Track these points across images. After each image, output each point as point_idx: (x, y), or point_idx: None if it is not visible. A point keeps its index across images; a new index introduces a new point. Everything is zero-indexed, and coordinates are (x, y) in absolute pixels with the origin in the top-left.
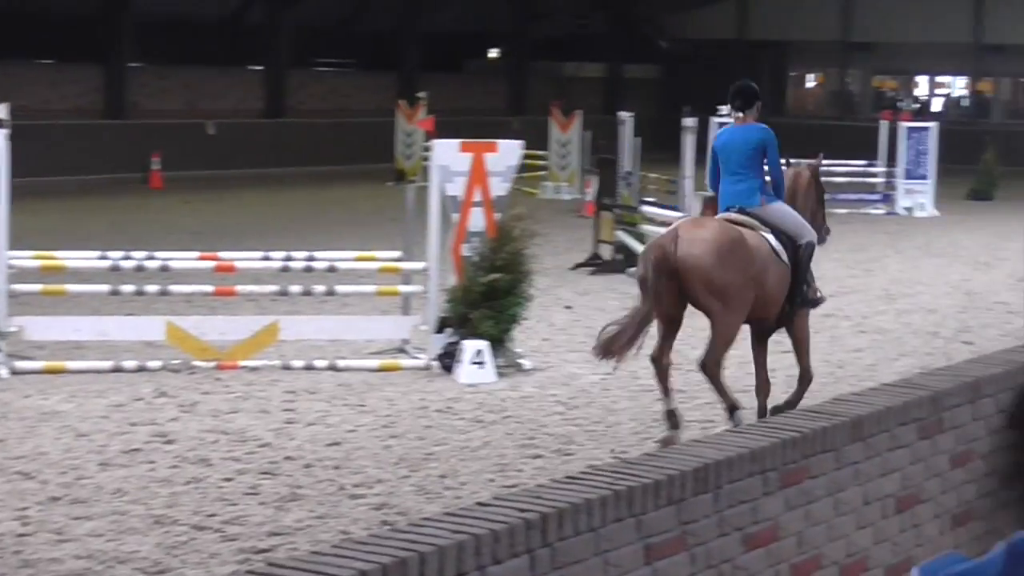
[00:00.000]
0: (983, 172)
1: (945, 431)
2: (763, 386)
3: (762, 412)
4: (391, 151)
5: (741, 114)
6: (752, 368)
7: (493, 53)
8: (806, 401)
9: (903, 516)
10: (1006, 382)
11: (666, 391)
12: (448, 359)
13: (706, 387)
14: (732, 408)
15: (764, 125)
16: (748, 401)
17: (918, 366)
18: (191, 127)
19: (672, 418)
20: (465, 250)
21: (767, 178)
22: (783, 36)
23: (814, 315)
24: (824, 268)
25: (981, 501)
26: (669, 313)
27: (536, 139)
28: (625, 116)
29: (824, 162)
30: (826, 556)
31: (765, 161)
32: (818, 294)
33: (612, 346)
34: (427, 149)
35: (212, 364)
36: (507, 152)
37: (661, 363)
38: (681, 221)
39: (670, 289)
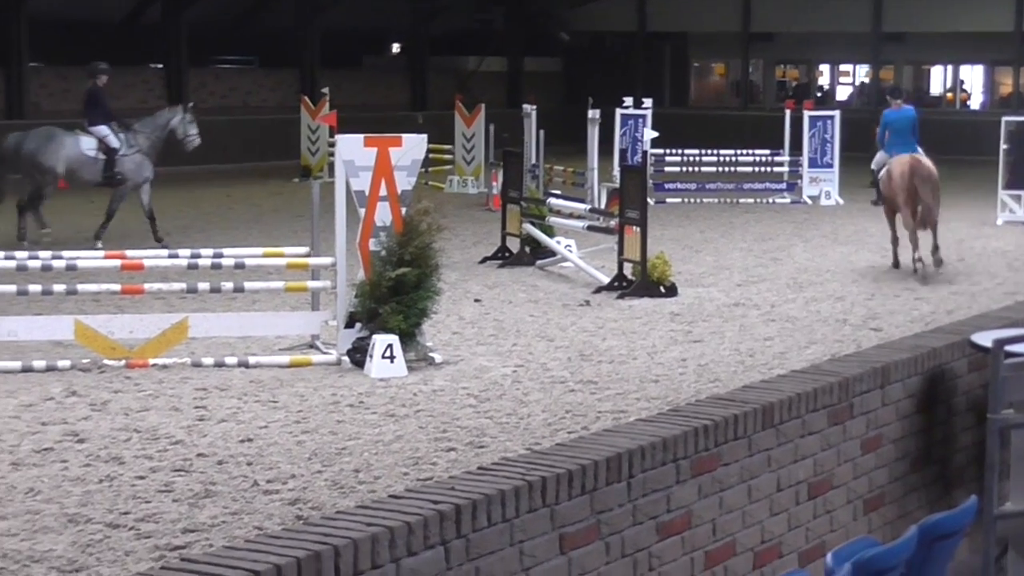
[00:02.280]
0: None
1: (855, 417)
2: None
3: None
4: (295, 147)
5: (899, 101)
6: None
7: (395, 49)
8: (716, 389)
9: (816, 502)
10: (914, 367)
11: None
12: (358, 354)
13: (617, 377)
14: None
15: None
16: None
17: (827, 353)
18: None
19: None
20: (373, 245)
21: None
22: (684, 27)
23: (724, 305)
24: (731, 258)
25: (892, 486)
26: (914, 201)
27: (440, 134)
28: (529, 109)
29: (728, 152)
30: (740, 543)
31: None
32: None
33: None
34: (332, 145)
35: (122, 363)
36: (412, 146)
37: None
38: (904, 156)
39: (915, 188)
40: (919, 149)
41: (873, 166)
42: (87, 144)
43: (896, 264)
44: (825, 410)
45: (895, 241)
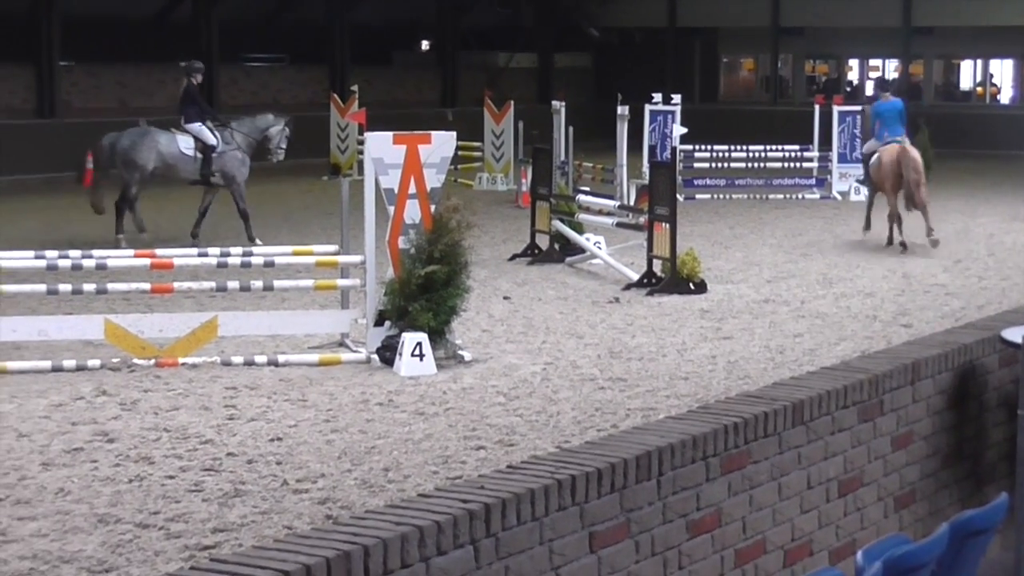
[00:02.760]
0: None
1: (885, 413)
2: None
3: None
4: (325, 145)
5: (888, 94)
6: None
7: (424, 45)
8: (746, 386)
9: (846, 499)
10: (944, 363)
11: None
12: (388, 352)
13: (647, 375)
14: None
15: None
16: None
17: (858, 350)
18: (124, 125)
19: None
20: (402, 243)
21: None
22: (713, 23)
23: (753, 301)
24: (761, 254)
25: (923, 482)
26: (900, 186)
27: (470, 130)
28: (558, 105)
29: (758, 147)
30: (770, 541)
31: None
32: None
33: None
34: (361, 142)
35: (152, 362)
36: (441, 143)
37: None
38: (893, 145)
39: (902, 175)
40: (906, 138)
41: (864, 151)
42: (184, 142)
43: (867, 226)
44: (855, 407)
45: (870, 206)
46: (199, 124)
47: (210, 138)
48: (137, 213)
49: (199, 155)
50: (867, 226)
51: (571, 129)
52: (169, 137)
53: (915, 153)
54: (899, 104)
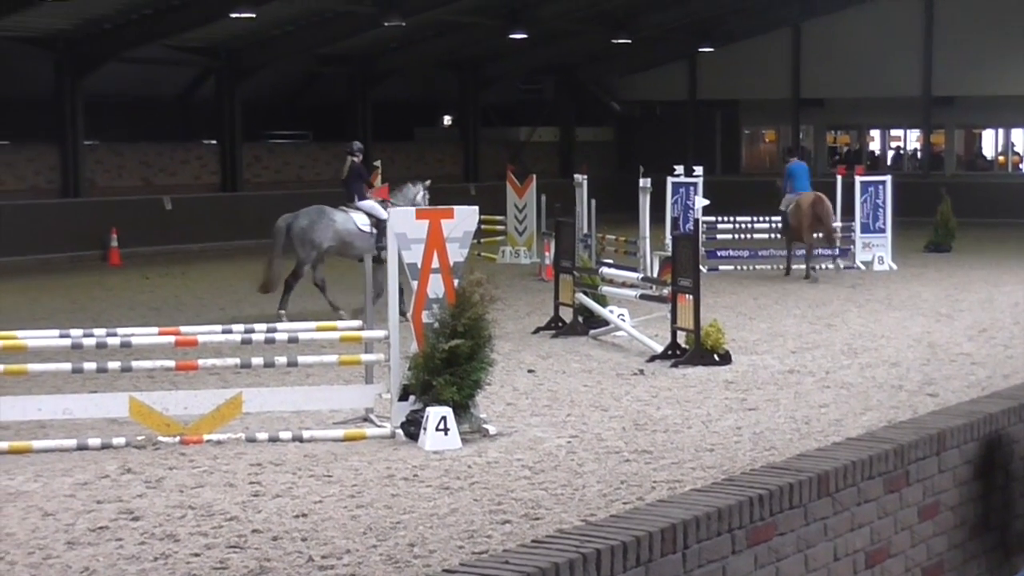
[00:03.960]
0: (940, 224)
1: (912, 484)
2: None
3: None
4: None
5: (795, 158)
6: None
7: (446, 120)
8: (772, 457)
9: (873, 571)
10: (971, 433)
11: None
12: (412, 427)
13: (672, 447)
14: None
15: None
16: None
17: (884, 420)
18: (148, 203)
19: None
20: (426, 317)
21: None
22: (734, 95)
23: (778, 372)
24: (785, 325)
25: (951, 553)
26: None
27: (493, 204)
28: (580, 178)
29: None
30: None
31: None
32: None
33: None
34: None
35: (177, 439)
36: (464, 218)
37: None
38: (809, 193)
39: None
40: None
41: (782, 207)
42: (359, 219)
43: (788, 272)
44: (881, 477)
45: (789, 256)
46: (370, 200)
47: (383, 213)
48: (327, 294)
49: (374, 231)
50: (787, 272)
51: (593, 202)
52: (344, 215)
53: (827, 200)
54: (805, 166)
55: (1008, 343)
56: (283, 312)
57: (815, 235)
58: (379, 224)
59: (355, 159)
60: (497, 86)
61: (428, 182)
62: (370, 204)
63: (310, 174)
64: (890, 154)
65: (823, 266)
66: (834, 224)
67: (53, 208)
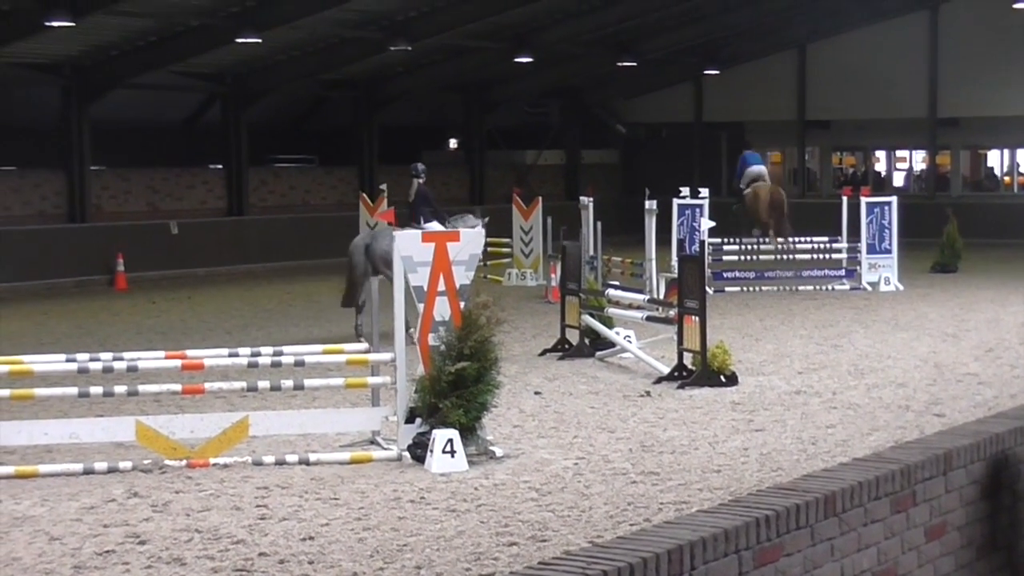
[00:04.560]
0: (946, 244)
1: (919, 504)
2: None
3: None
4: None
5: (750, 150)
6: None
7: (452, 144)
8: (778, 478)
9: None
10: (977, 453)
11: None
12: (419, 449)
13: (679, 468)
14: None
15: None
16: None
17: (890, 440)
18: (154, 228)
19: None
20: (432, 340)
21: None
22: (740, 117)
23: (785, 393)
24: (792, 345)
25: (958, 573)
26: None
27: (499, 227)
28: (586, 201)
29: (790, 240)
30: None
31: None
32: None
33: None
34: None
35: (183, 463)
36: (470, 240)
37: None
38: (765, 185)
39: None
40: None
41: (742, 185)
42: None
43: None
44: (888, 498)
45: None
46: (436, 222)
47: None
48: (360, 316)
49: None
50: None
51: (599, 224)
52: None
53: (783, 193)
54: (757, 155)
55: (1015, 363)
56: (361, 326)
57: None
58: None
59: (420, 181)
60: (503, 109)
61: (487, 219)
62: (435, 227)
63: (316, 198)
64: (896, 175)
65: (829, 287)
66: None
67: (59, 233)
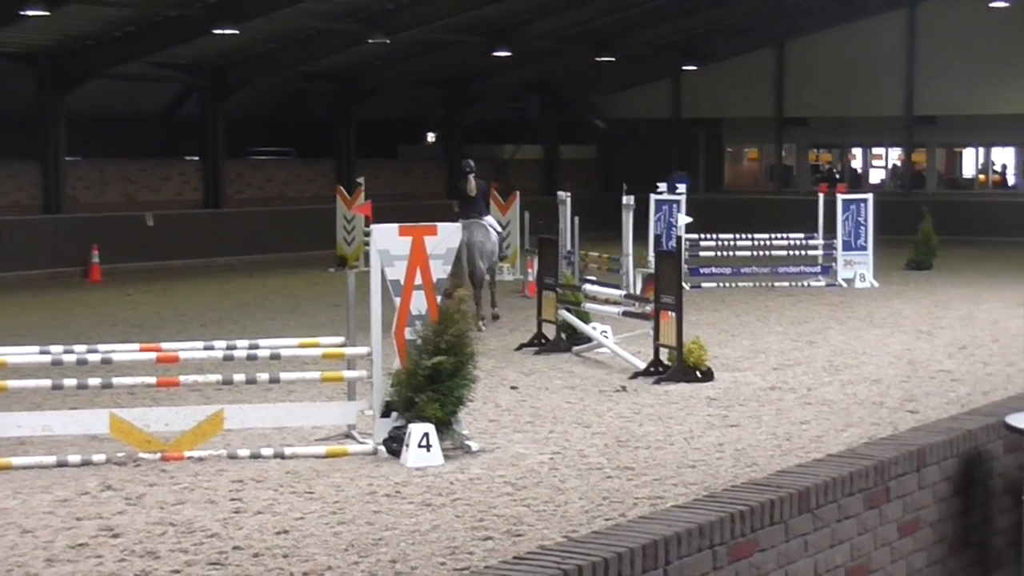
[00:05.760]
0: (921, 242)
1: (892, 500)
2: None
3: None
4: (331, 237)
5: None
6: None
7: (430, 138)
8: (753, 473)
9: None
10: (950, 450)
11: None
12: (395, 443)
13: (654, 463)
14: None
15: None
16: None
17: (864, 436)
18: (130, 219)
19: None
20: (408, 334)
21: None
22: (718, 113)
23: (760, 388)
24: (767, 342)
25: (930, 569)
26: None
27: None
28: (564, 196)
29: (763, 236)
30: None
31: None
32: None
33: None
34: (367, 234)
35: (157, 456)
36: (447, 235)
37: None
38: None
39: None
40: None
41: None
42: (495, 233)
43: None
44: (861, 494)
45: None
46: (491, 217)
47: (498, 226)
48: (494, 296)
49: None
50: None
51: (577, 219)
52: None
53: None
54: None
55: (988, 360)
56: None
57: None
58: (498, 235)
59: (474, 175)
60: (482, 104)
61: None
62: (491, 219)
63: (293, 191)
64: (873, 172)
65: (805, 283)
66: None
67: (34, 224)
